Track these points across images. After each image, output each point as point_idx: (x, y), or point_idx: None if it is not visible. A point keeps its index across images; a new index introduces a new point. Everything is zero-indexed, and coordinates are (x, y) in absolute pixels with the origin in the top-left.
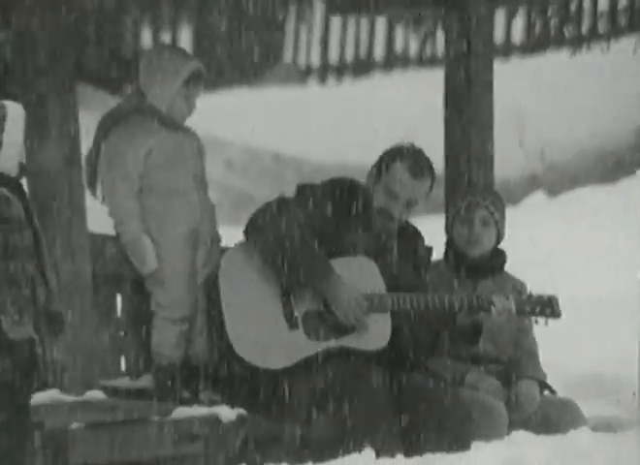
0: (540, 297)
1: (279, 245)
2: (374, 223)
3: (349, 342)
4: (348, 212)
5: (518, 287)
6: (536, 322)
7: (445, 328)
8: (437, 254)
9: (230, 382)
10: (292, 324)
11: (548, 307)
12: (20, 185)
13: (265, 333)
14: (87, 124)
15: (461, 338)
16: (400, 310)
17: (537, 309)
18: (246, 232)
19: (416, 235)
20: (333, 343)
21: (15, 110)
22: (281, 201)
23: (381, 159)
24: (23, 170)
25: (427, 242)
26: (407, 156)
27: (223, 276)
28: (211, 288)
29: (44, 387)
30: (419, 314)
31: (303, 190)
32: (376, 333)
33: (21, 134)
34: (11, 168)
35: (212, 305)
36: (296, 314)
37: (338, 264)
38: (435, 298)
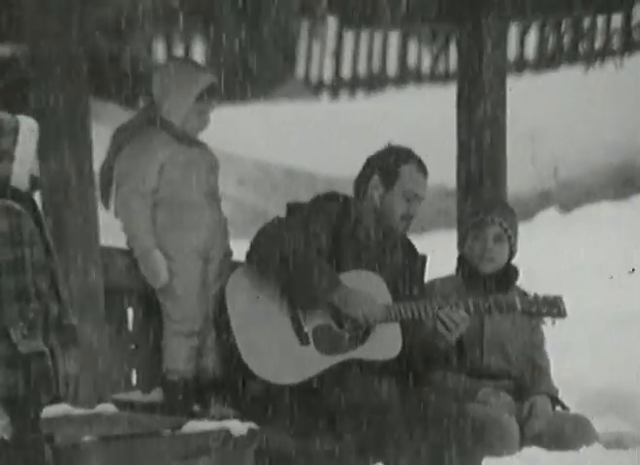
0: (546, 298)
1: (283, 268)
2: (370, 234)
3: (360, 354)
4: (343, 226)
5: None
6: (544, 322)
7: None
8: (450, 269)
9: (241, 396)
10: (303, 339)
11: (554, 307)
12: (32, 199)
13: (277, 350)
14: (100, 138)
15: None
16: (409, 319)
17: (544, 309)
18: (249, 258)
19: (410, 245)
20: (344, 356)
21: (28, 125)
22: (278, 223)
23: (382, 169)
24: (35, 183)
25: (436, 257)
26: (409, 157)
27: (230, 298)
28: (219, 308)
29: (56, 400)
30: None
31: (293, 209)
32: (387, 343)
33: (34, 148)
34: (22, 181)
35: (221, 324)
36: (306, 329)
37: (344, 279)
38: (443, 305)
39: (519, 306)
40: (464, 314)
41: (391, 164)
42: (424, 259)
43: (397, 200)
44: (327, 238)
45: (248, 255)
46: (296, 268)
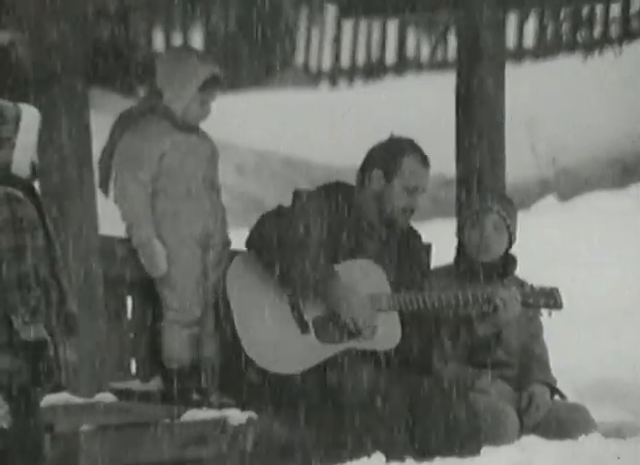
0: (542, 289)
1: (282, 256)
2: (373, 224)
3: (361, 344)
4: (346, 216)
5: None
6: (541, 314)
7: (462, 337)
8: (448, 258)
9: (241, 385)
10: (303, 328)
11: (551, 298)
12: (32, 186)
13: (277, 339)
14: (99, 126)
15: (481, 348)
16: (408, 310)
17: (541, 301)
18: (249, 244)
19: (413, 234)
20: (345, 345)
21: (30, 113)
22: (280, 211)
23: (384, 161)
24: (36, 171)
25: (434, 246)
26: (410, 149)
27: (230, 285)
28: (219, 295)
29: (57, 388)
30: (434, 321)
31: (299, 197)
32: (387, 333)
33: (35, 136)
34: (23, 169)
35: (221, 312)
36: (306, 318)
37: (343, 268)
38: (442, 296)
39: (518, 298)
40: (517, 295)
41: (392, 156)
42: (428, 247)
43: (398, 192)
44: (329, 227)
45: (248, 241)
46: (292, 257)
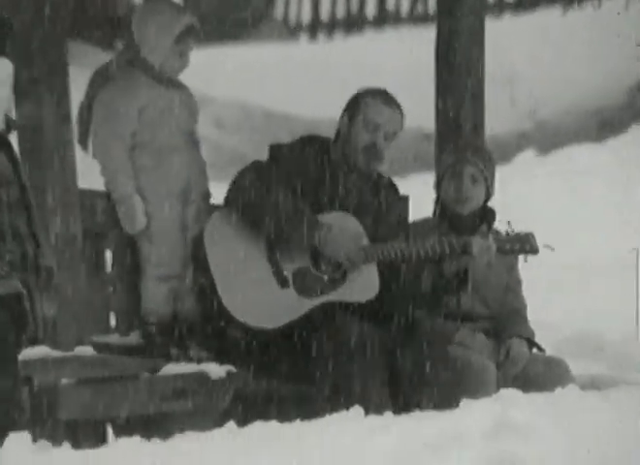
0: (518, 235)
1: (262, 206)
2: (349, 176)
3: (340, 296)
4: (321, 169)
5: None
6: (525, 260)
7: (430, 277)
8: (428, 212)
9: (220, 339)
10: (283, 283)
11: (527, 243)
12: (7, 140)
13: (257, 294)
14: (77, 80)
15: (448, 287)
16: (387, 260)
17: (517, 246)
18: (228, 200)
19: (390, 186)
20: (324, 298)
21: (2, 65)
22: (257, 165)
23: (348, 105)
24: (10, 124)
25: (415, 200)
26: (375, 92)
27: (208, 241)
28: (197, 251)
29: (34, 342)
30: (404, 266)
31: (275, 150)
32: (365, 285)
33: (8, 89)
34: None
35: (200, 267)
36: (285, 273)
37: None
38: (418, 246)
39: (493, 246)
40: (492, 243)
41: (355, 98)
42: (406, 199)
43: (358, 130)
44: (306, 181)
45: (227, 198)
46: (274, 211)
